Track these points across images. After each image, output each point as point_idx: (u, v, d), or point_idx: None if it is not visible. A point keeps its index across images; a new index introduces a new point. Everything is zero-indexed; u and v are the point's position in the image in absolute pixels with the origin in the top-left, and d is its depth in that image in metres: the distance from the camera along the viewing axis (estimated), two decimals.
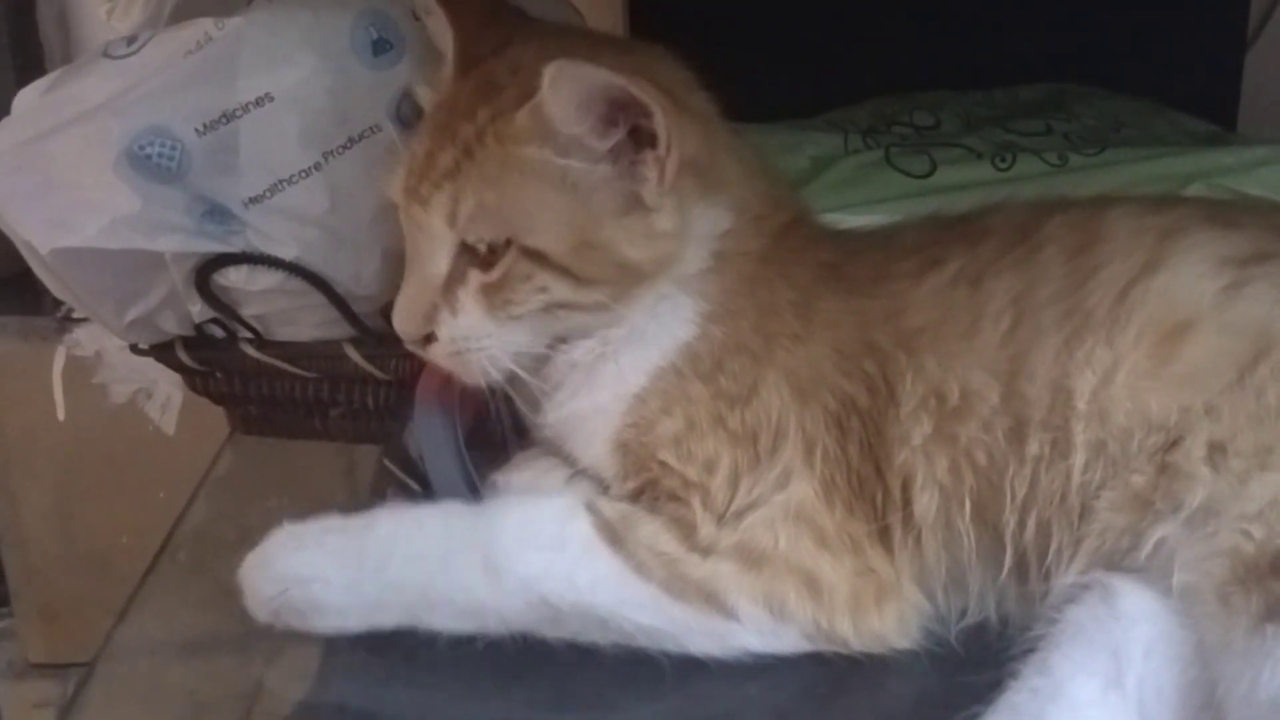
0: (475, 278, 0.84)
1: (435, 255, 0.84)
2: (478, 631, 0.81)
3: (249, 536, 0.85)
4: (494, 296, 0.84)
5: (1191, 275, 0.81)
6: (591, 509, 0.82)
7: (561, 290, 0.84)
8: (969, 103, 1.49)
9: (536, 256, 0.83)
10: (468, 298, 0.84)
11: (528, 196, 0.82)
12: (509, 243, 0.82)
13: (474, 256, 0.84)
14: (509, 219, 0.82)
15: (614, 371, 0.87)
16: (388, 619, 0.82)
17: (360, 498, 1.08)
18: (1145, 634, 0.75)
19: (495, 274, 0.83)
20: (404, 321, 0.86)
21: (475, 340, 0.85)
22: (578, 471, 0.93)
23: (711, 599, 0.81)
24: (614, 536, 0.81)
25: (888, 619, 0.83)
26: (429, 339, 0.85)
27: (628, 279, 0.85)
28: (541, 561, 0.80)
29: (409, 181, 0.85)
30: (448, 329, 0.85)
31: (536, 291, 0.84)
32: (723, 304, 0.87)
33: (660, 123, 0.79)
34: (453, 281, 0.84)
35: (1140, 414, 0.79)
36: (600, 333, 0.87)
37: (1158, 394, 0.79)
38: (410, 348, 0.87)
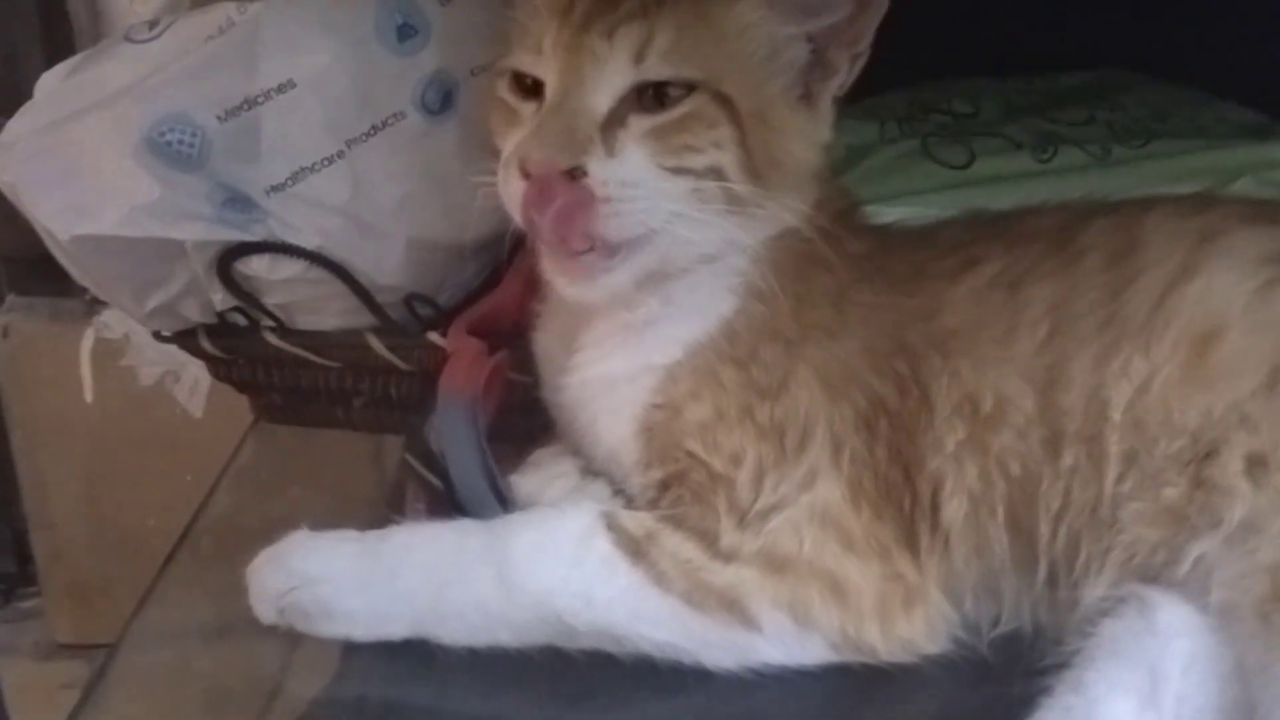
0: (641, 122, 0.80)
1: (599, 90, 0.79)
2: (489, 645, 0.80)
3: (271, 526, 0.84)
4: (668, 140, 0.79)
5: (1228, 279, 0.79)
6: (612, 526, 0.81)
7: (730, 156, 0.80)
8: (1009, 90, 1.46)
9: (725, 104, 0.80)
10: (630, 140, 0.79)
11: (728, 48, 0.81)
12: (693, 88, 0.80)
13: (642, 101, 0.80)
14: (706, 62, 0.80)
15: (652, 338, 0.86)
16: (395, 630, 0.81)
17: (384, 489, 1.08)
18: (1184, 650, 0.73)
19: (677, 112, 0.80)
20: (550, 146, 0.77)
21: (632, 189, 0.79)
22: (589, 471, 0.92)
23: (733, 607, 0.79)
24: (635, 549, 0.80)
25: (916, 624, 0.81)
26: (570, 175, 0.78)
27: (774, 178, 0.83)
28: (556, 577, 0.79)
29: (581, 8, 0.81)
30: (604, 169, 0.78)
31: (713, 145, 0.80)
32: (769, 281, 0.85)
33: (873, 21, 0.80)
34: (611, 122, 0.79)
35: (1170, 422, 0.78)
36: (686, 273, 0.85)
37: (1186, 398, 0.77)
38: (532, 186, 0.78)
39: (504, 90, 0.85)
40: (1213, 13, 1.49)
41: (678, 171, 0.80)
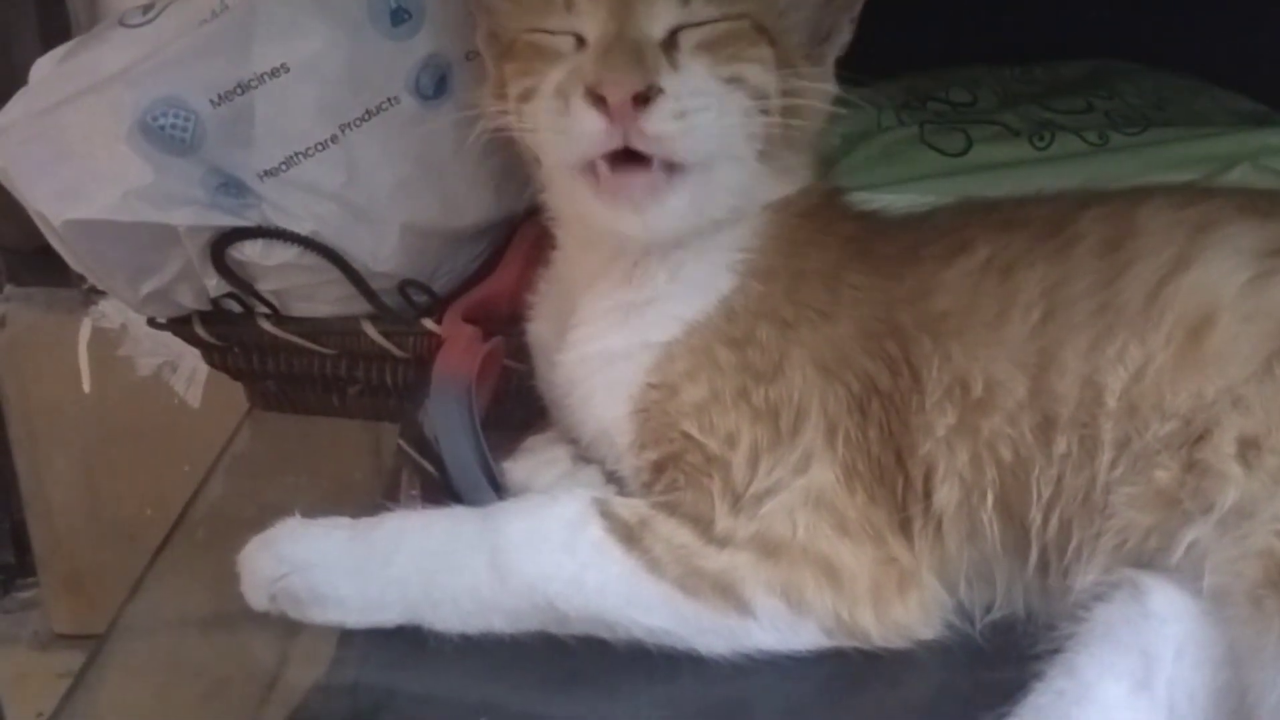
0: (690, 35, 0.81)
1: (651, 23, 0.81)
2: (481, 631, 0.80)
3: (266, 514, 0.84)
4: (719, 51, 0.81)
5: (1223, 270, 0.79)
6: (605, 512, 0.81)
7: (773, 80, 0.83)
8: (1007, 79, 1.45)
9: (763, 32, 0.84)
10: (688, 56, 0.81)
11: None
12: (735, 15, 0.83)
13: (690, 28, 0.82)
14: (744, 4, 0.83)
15: (652, 315, 0.86)
16: (388, 616, 0.80)
17: (380, 477, 1.08)
18: (1176, 634, 0.73)
19: (722, 25, 0.82)
20: (631, 70, 0.77)
21: (703, 97, 0.80)
22: (581, 457, 0.92)
23: (727, 592, 0.79)
24: (628, 535, 0.80)
25: (911, 608, 0.81)
26: (641, 99, 0.77)
27: (793, 128, 0.84)
28: (549, 564, 0.79)
29: None
30: (674, 82, 0.78)
31: (758, 62, 0.83)
32: (766, 257, 0.86)
33: None
34: (667, 47, 0.81)
35: (1162, 406, 0.78)
36: (694, 242, 0.86)
37: (1179, 383, 0.77)
38: (610, 120, 0.78)
39: (529, 36, 0.85)
40: (1209, 2, 1.49)
41: (732, 81, 0.81)
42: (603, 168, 0.81)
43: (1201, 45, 1.48)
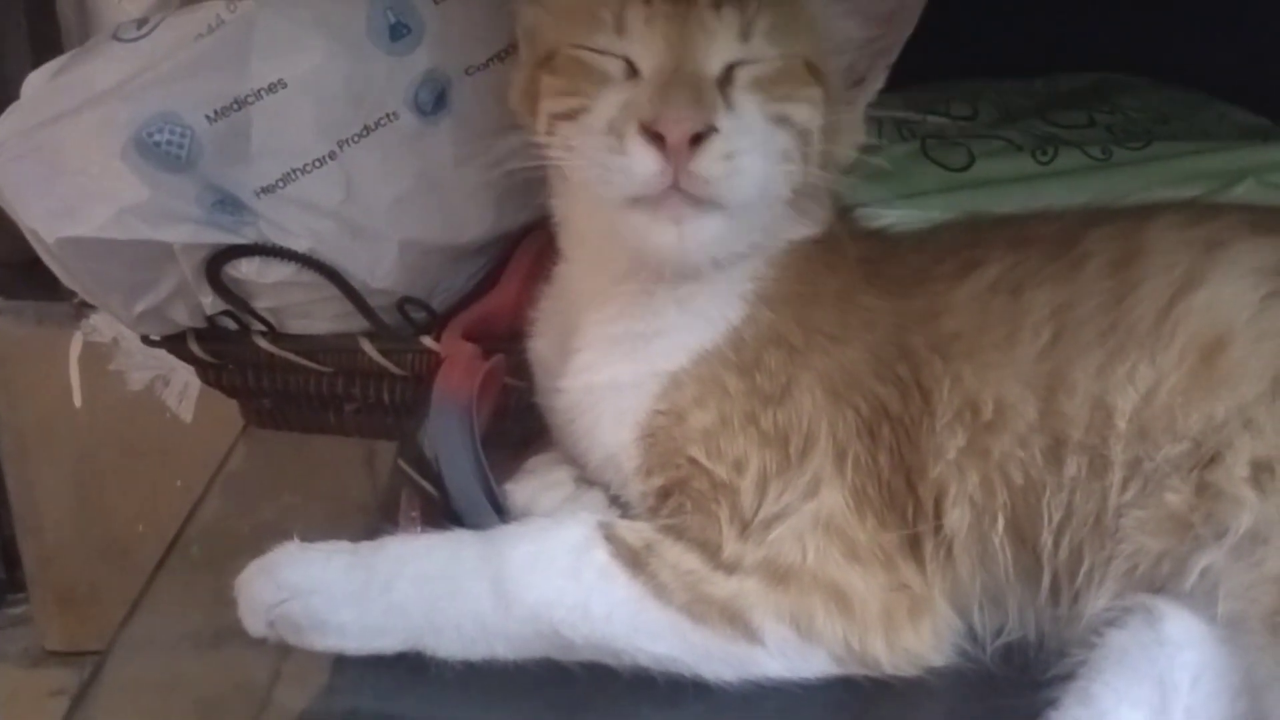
0: (746, 71, 0.81)
1: (710, 59, 0.80)
2: (484, 658, 0.79)
3: (262, 533, 0.83)
4: (772, 89, 0.81)
5: (1234, 289, 0.79)
6: (610, 537, 0.80)
7: (818, 122, 0.82)
8: (1008, 92, 1.45)
9: (816, 73, 0.84)
10: (742, 94, 0.80)
11: (811, 34, 0.85)
12: (789, 55, 0.83)
13: (745, 65, 0.81)
14: (799, 44, 0.83)
15: (660, 345, 0.85)
16: (389, 643, 0.79)
17: (377, 496, 1.07)
18: (1192, 661, 0.72)
19: (776, 64, 0.82)
20: (690, 110, 0.76)
21: (751, 136, 0.79)
22: (584, 480, 0.91)
23: (735, 619, 0.78)
24: (634, 561, 0.79)
25: (923, 635, 0.80)
26: (698, 140, 0.76)
27: (828, 160, 0.85)
28: (553, 589, 0.78)
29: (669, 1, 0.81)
30: (730, 121, 0.78)
31: (808, 102, 0.82)
32: (778, 285, 0.86)
33: (907, 32, 0.86)
34: (721, 83, 0.80)
35: (1173, 428, 0.77)
36: (706, 277, 0.85)
37: (1189, 405, 0.77)
38: (665, 158, 0.77)
39: (575, 52, 0.83)
40: (1212, 16, 1.49)
41: (780, 121, 0.81)
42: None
43: (1203, 59, 1.48)
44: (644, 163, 0.76)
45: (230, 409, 1.21)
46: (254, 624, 0.80)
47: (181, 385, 1.75)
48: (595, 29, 0.82)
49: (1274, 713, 0.68)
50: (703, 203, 0.78)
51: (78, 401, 1.76)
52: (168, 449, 1.75)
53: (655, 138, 0.76)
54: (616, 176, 0.78)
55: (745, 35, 0.81)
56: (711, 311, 0.85)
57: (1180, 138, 1.28)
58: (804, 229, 0.87)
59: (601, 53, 0.82)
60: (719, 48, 0.80)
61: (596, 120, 0.80)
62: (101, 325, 1.73)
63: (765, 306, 0.85)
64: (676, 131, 0.75)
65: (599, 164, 0.79)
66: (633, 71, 0.81)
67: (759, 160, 0.79)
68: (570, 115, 0.82)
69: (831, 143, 0.85)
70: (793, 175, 0.82)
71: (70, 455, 1.81)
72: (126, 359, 1.74)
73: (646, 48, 0.80)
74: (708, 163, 0.76)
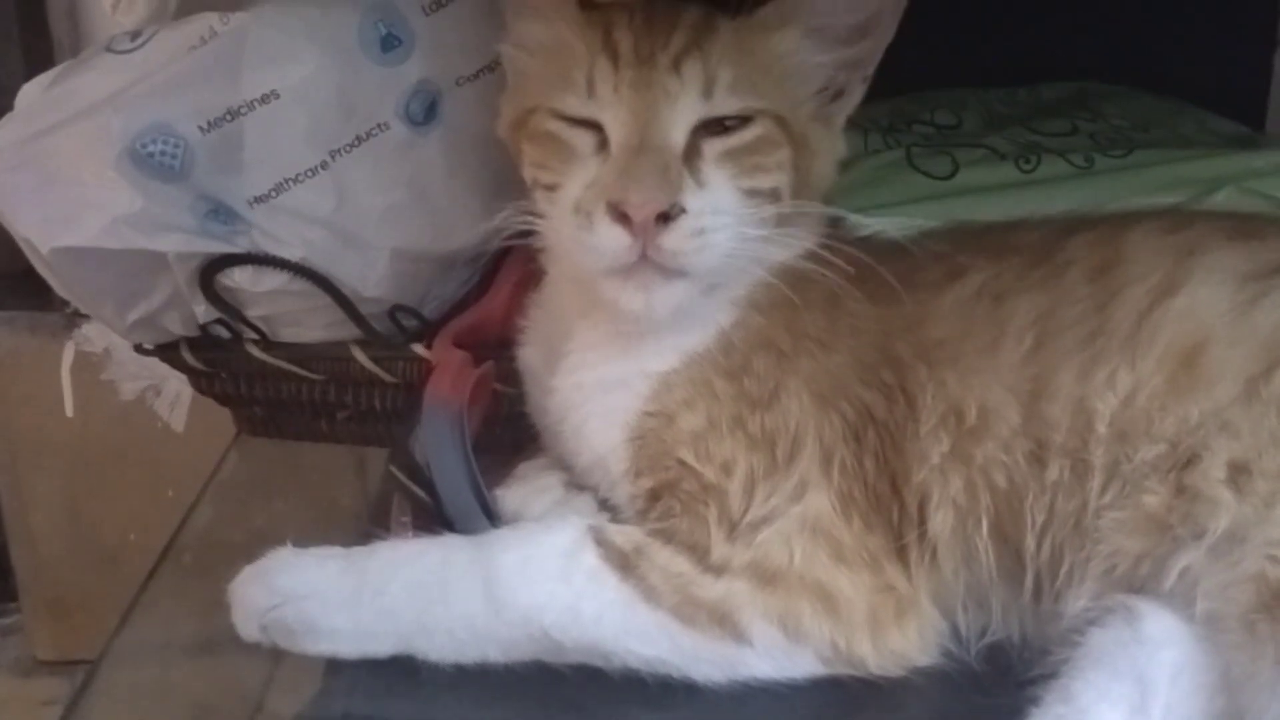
0: (714, 145, 0.81)
1: (675, 125, 0.81)
2: (475, 662, 0.79)
3: (255, 540, 0.83)
4: (741, 161, 0.82)
5: (1211, 294, 0.80)
6: (600, 540, 0.80)
7: (787, 178, 0.84)
8: (992, 101, 1.46)
9: (783, 125, 0.84)
10: (711, 168, 0.81)
11: (774, 75, 0.85)
12: (750, 116, 0.83)
13: (709, 131, 0.82)
14: (763, 91, 0.83)
15: (651, 346, 0.86)
16: (381, 647, 0.80)
17: (369, 503, 1.07)
18: (1171, 659, 0.73)
19: (749, 134, 0.82)
20: (655, 191, 0.78)
21: (723, 215, 0.80)
22: (574, 484, 0.92)
23: (724, 621, 0.79)
24: (624, 563, 0.79)
25: (909, 636, 0.81)
26: (665, 217, 0.78)
27: (806, 197, 0.86)
28: (544, 593, 0.78)
29: (627, 43, 0.82)
30: (697, 200, 0.79)
31: (778, 166, 0.83)
32: (768, 292, 0.86)
33: (883, 45, 0.85)
34: (689, 155, 0.81)
35: (1150, 431, 0.78)
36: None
37: (1167, 408, 0.78)
38: (632, 235, 0.78)
39: (547, 123, 0.84)
40: (1192, 26, 1.50)
41: (751, 194, 0.82)
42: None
43: (1183, 67, 1.49)
44: (612, 241, 0.79)
45: (222, 418, 1.21)
46: (247, 629, 0.81)
47: (173, 395, 1.75)
48: (568, 89, 0.83)
49: (1251, 709, 0.69)
50: (671, 272, 0.80)
51: (70, 411, 1.76)
52: (159, 458, 1.75)
53: (622, 217, 0.78)
54: (588, 254, 0.80)
55: (708, 92, 0.81)
56: (703, 316, 0.86)
57: (1161, 145, 1.29)
58: (792, 250, 0.87)
59: (573, 122, 0.83)
60: (683, 111, 0.81)
61: (567, 198, 0.82)
62: (94, 335, 1.73)
63: (755, 312, 0.86)
64: (642, 214, 0.77)
65: (571, 240, 0.81)
66: (603, 143, 0.82)
67: (729, 234, 0.80)
68: (545, 187, 0.84)
69: (814, 168, 0.86)
70: (766, 236, 0.82)
71: (62, 464, 1.81)
72: (118, 369, 1.75)
73: (614, 116, 0.81)
74: (677, 239, 0.78)
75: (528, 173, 0.87)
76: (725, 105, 0.82)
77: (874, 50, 0.87)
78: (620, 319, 0.85)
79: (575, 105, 0.83)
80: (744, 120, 0.82)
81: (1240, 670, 0.70)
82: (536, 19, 0.88)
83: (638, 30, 0.83)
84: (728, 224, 0.80)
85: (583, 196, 0.80)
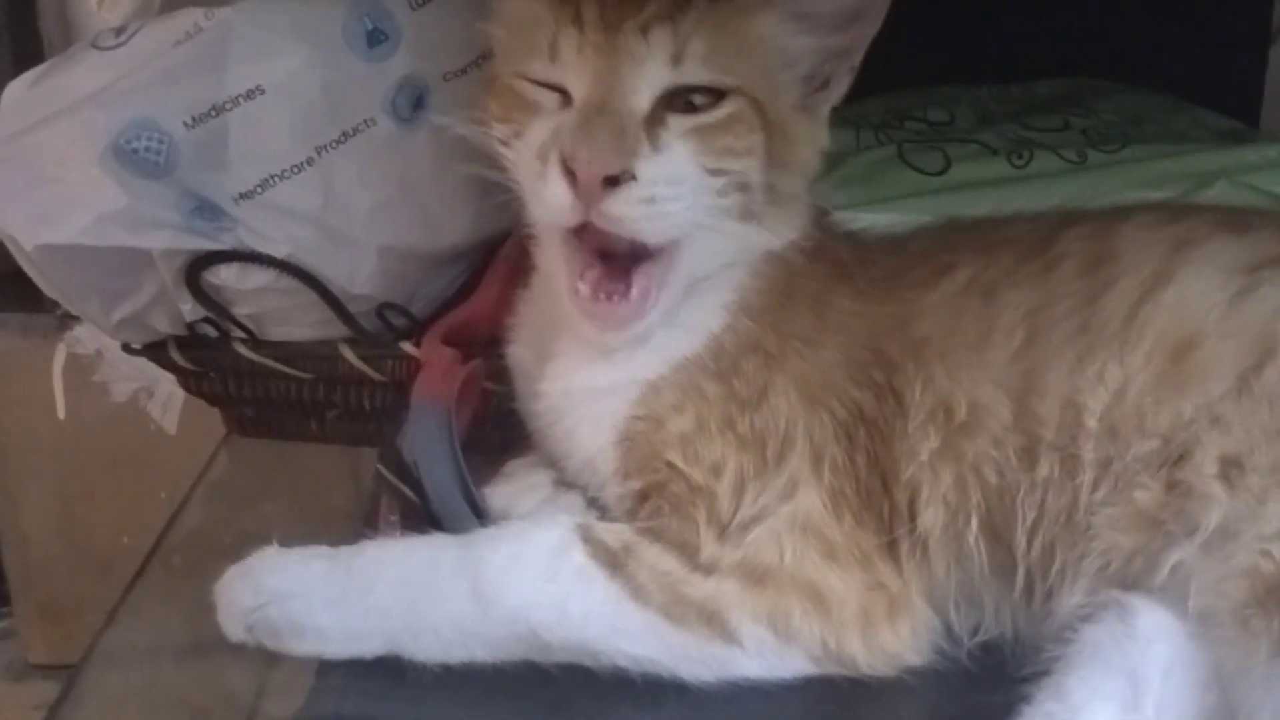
0: (682, 121, 0.79)
1: (639, 90, 0.78)
2: (463, 661, 0.79)
3: (244, 541, 0.82)
4: (711, 141, 0.79)
5: (1202, 287, 0.79)
6: (588, 538, 0.80)
7: (757, 164, 0.81)
8: (984, 98, 1.46)
9: (759, 109, 0.81)
10: (673, 139, 0.78)
11: (753, 57, 0.82)
12: (724, 94, 0.80)
13: (678, 101, 0.79)
14: (738, 69, 0.80)
15: (640, 353, 0.85)
16: (368, 646, 0.79)
17: (359, 503, 1.06)
18: (1164, 655, 0.73)
19: (721, 113, 0.80)
20: (603, 149, 0.76)
21: (677, 186, 0.78)
22: (562, 482, 0.91)
23: (713, 620, 0.78)
24: (612, 562, 0.79)
25: (901, 634, 0.80)
26: (614, 181, 0.76)
27: (784, 186, 0.84)
28: (532, 592, 0.78)
29: (593, 12, 0.80)
30: (651, 168, 0.77)
31: (748, 150, 0.81)
32: (759, 295, 0.85)
33: (870, 34, 0.83)
34: (652, 122, 0.78)
35: (1142, 426, 0.77)
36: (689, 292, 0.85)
37: (1158, 403, 0.77)
38: (579, 197, 0.76)
39: (514, 81, 0.83)
40: (1188, 22, 1.50)
41: (716, 173, 0.80)
42: (584, 289, 0.81)
43: (1178, 64, 1.49)
44: (558, 196, 0.77)
45: (214, 420, 1.21)
46: (232, 629, 0.80)
47: (165, 397, 1.74)
48: (533, 55, 0.81)
49: (1244, 704, 0.69)
50: (637, 302, 0.80)
51: (61, 414, 1.75)
52: (152, 461, 1.75)
53: (570, 174, 0.76)
54: (539, 203, 0.79)
55: (677, 59, 0.79)
56: (693, 321, 0.85)
57: (1154, 140, 1.29)
58: (780, 239, 0.86)
59: (536, 83, 0.82)
60: (648, 76, 0.78)
61: (529, 145, 0.80)
62: (85, 337, 1.72)
63: (745, 315, 0.85)
64: (588, 173, 0.76)
65: (528, 189, 0.81)
66: (567, 101, 0.80)
67: (683, 205, 0.78)
68: (509, 140, 0.83)
69: (792, 157, 0.84)
70: (729, 207, 0.81)
71: (54, 467, 1.81)
72: (110, 371, 1.74)
73: (578, 77, 0.79)
74: (621, 204, 0.76)
75: (496, 130, 0.84)
76: (695, 75, 0.79)
77: (861, 39, 0.84)
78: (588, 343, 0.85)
79: (539, 69, 0.81)
80: (716, 97, 0.80)
81: (1233, 665, 0.70)
82: None
83: (608, 2, 0.81)
84: (682, 195, 0.78)
85: (545, 142, 0.79)
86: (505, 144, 0.84)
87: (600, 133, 0.76)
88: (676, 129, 0.79)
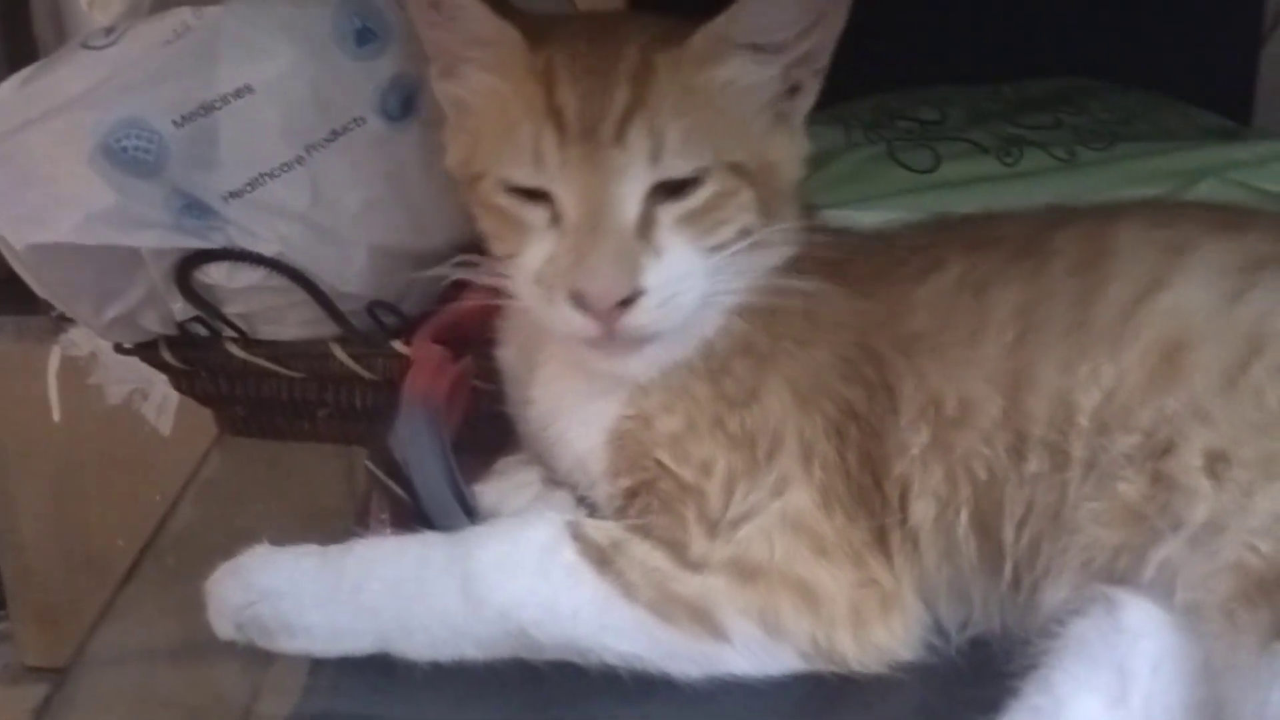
0: (670, 211, 0.79)
1: (624, 200, 0.78)
2: (453, 659, 0.79)
3: (236, 541, 0.83)
4: (700, 222, 0.79)
5: (1197, 292, 0.79)
6: (577, 535, 0.80)
7: (753, 213, 0.81)
8: (976, 98, 1.45)
9: (739, 171, 0.81)
10: (668, 235, 0.78)
11: (723, 113, 0.82)
12: (708, 171, 0.80)
13: (664, 192, 0.79)
14: (713, 140, 0.80)
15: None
16: (358, 644, 0.79)
17: (351, 502, 1.07)
18: (1151, 649, 0.73)
19: (705, 193, 0.79)
20: (613, 281, 0.76)
21: (685, 280, 0.79)
22: (552, 480, 0.91)
23: (702, 617, 0.78)
24: (601, 559, 0.79)
25: (893, 630, 0.80)
26: (627, 302, 0.77)
27: (778, 207, 0.84)
28: (522, 589, 0.78)
29: (571, 109, 0.79)
30: (657, 275, 0.77)
31: (739, 211, 0.81)
32: (751, 296, 0.85)
33: (834, 35, 0.82)
34: (644, 225, 0.78)
35: (1127, 422, 0.77)
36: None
37: (1145, 400, 0.77)
38: (595, 320, 0.77)
39: (498, 196, 0.82)
40: (1180, 22, 1.50)
41: (716, 249, 0.80)
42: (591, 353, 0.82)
43: (1170, 64, 1.49)
44: (575, 324, 0.78)
45: (209, 422, 1.21)
46: (222, 627, 0.81)
47: (160, 398, 1.74)
48: (516, 159, 0.80)
49: (1231, 697, 0.69)
50: (641, 341, 0.80)
51: (56, 416, 1.75)
52: (147, 462, 1.74)
53: (584, 305, 0.77)
54: (552, 323, 0.80)
55: (656, 156, 0.78)
56: (687, 328, 0.84)
57: (1144, 138, 1.29)
58: (771, 259, 0.85)
59: (524, 192, 0.80)
60: (632, 181, 0.78)
61: (526, 268, 0.80)
62: (80, 339, 1.72)
63: (738, 317, 0.85)
64: (601, 304, 0.76)
65: (535, 307, 0.81)
66: (556, 217, 0.79)
67: (695, 294, 0.79)
68: (513, 243, 0.82)
69: (780, 180, 0.84)
70: (732, 263, 0.81)
71: (49, 470, 1.80)
72: (105, 373, 1.74)
73: (565, 190, 0.78)
74: (637, 317, 0.77)
75: (484, 235, 0.85)
76: (674, 168, 0.78)
77: (824, 42, 0.83)
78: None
79: (525, 176, 0.80)
80: (697, 179, 0.79)
81: (1220, 659, 0.70)
82: (479, 67, 0.85)
83: (580, 83, 0.79)
84: (693, 285, 0.79)
85: (542, 270, 0.79)
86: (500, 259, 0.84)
87: (602, 262, 0.76)
88: (667, 221, 0.79)
